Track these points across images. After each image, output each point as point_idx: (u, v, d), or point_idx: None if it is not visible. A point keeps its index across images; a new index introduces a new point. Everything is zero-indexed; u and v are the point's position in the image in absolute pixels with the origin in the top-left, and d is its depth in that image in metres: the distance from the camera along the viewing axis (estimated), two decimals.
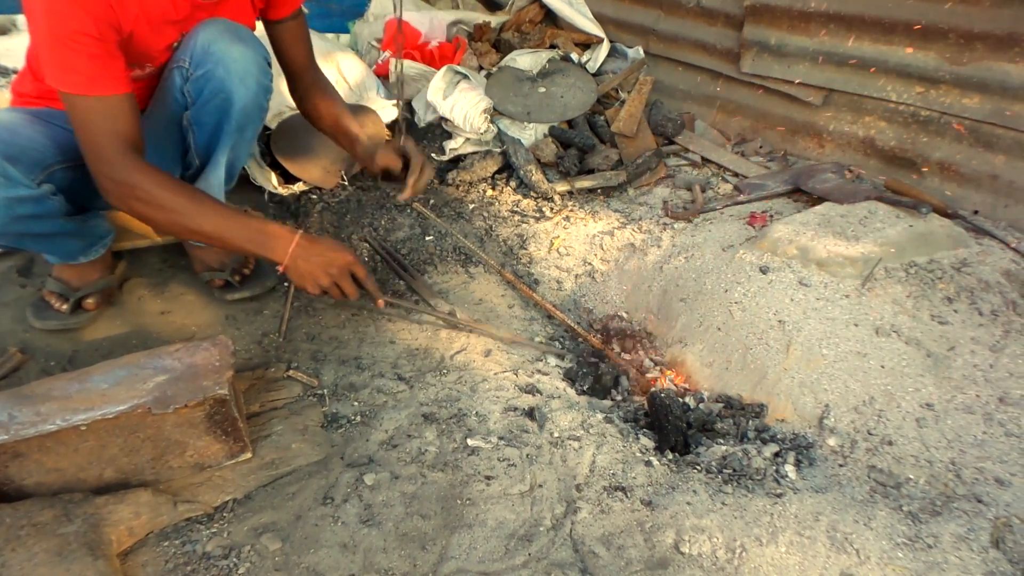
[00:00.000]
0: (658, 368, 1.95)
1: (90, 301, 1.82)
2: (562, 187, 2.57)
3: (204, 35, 1.56)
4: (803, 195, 2.33)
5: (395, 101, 2.94)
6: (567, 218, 2.46)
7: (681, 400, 1.75)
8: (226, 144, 1.70)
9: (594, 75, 3.08)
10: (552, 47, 3.19)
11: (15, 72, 3.44)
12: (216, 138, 1.68)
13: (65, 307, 1.79)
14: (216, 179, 1.75)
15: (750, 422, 1.66)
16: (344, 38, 3.62)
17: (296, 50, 1.81)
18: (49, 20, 1.31)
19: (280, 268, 1.56)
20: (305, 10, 1.82)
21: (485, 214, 2.51)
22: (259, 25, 1.81)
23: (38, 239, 1.66)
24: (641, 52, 3.17)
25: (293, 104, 2.74)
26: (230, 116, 1.65)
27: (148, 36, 1.52)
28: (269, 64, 1.67)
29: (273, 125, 2.55)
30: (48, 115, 1.59)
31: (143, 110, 1.71)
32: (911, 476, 1.46)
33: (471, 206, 2.55)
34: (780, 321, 1.77)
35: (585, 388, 1.84)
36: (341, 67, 2.83)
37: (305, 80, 1.90)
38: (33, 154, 1.50)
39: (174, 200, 1.45)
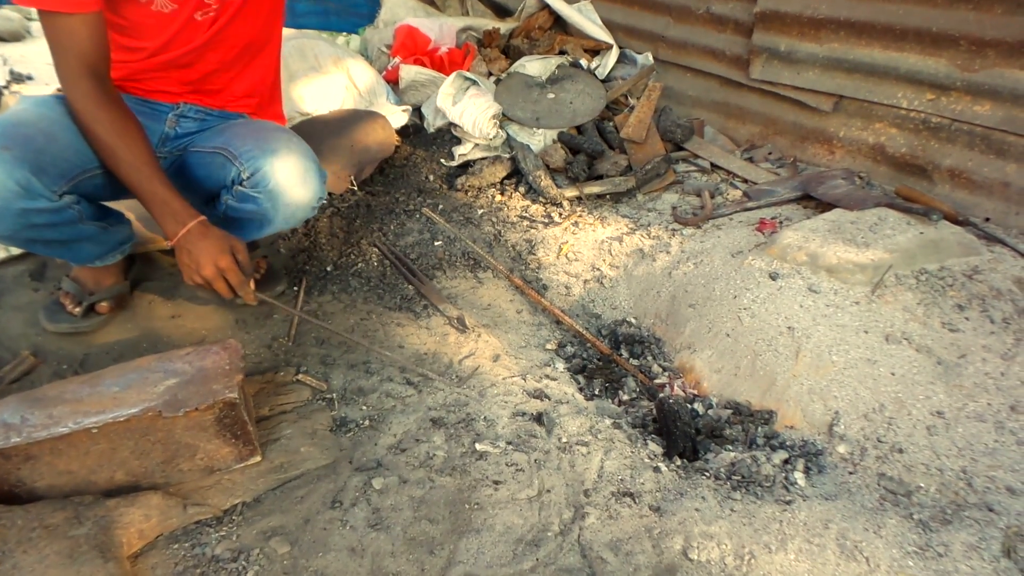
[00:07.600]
0: (666, 373, 1.95)
1: (103, 305, 1.84)
2: (571, 192, 2.58)
3: (274, 163, 1.58)
4: (812, 201, 2.32)
5: (404, 107, 2.96)
6: (576, 223, 2.46)
7: (690, 406, 1.75)
8: (249, 239, 1.77)
9: (603, 81, 3.08)
10: (561, 53, 3.19)
11: (29, 78, 3.48)
12: (242, 233, 1.70)
13: (78, 310, 1.80)
14: None
15: (759, 428, 1.66)
16: (355, 44, 3.65)
17: None
18: None
19: (168, 244, 1.55)
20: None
21: (494, 219, 2.52)
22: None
23: (50, 244, 1.63)
24: (650, 58, 3.17)
25: (302, 110, 2.77)
26: (263, 230, 1.72)
27: None
28: (324, 183, 1.71)
29: None
30: None
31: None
32: (921, 484, 1.45)
33: (480, 211, 2.56)
34: (789, 327, 1.77)
35: (595, 392, 1.84)
36: (352, 73, 2.85)
37: None
38: (63, 164, 1.48)
39: (108, 140, 1.47)
